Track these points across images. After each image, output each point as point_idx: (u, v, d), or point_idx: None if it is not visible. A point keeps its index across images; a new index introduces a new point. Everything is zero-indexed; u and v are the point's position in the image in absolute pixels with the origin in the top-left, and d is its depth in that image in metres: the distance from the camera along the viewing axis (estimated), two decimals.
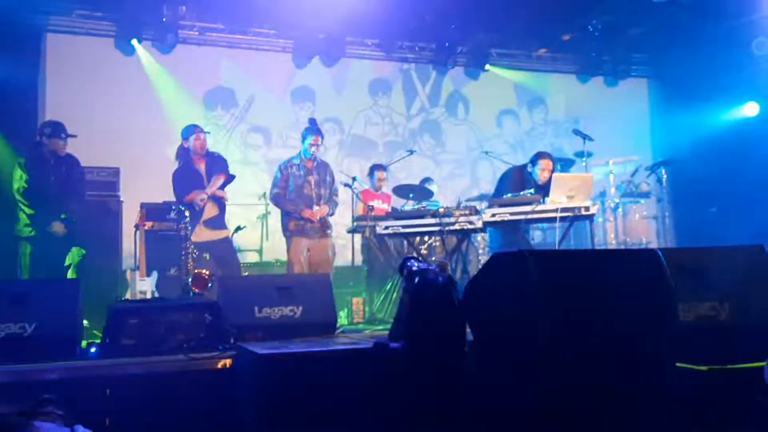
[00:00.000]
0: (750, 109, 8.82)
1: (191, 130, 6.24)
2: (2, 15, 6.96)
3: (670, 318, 2.72)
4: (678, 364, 2.69)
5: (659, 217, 8.28)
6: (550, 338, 2.44)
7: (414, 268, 2.89)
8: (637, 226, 7.93)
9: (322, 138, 6.22)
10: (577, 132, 6.76)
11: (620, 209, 7.88)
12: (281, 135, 8.88)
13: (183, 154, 6.19)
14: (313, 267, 6.08)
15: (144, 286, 6.43)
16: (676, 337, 2.75)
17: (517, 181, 6.22)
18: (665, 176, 8.11)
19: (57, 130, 5.71)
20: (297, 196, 6.07)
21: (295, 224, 6.06)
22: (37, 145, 5.73)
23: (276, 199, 6.21)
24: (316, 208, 6.07)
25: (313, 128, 6.17)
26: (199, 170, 6.10)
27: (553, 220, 5.60)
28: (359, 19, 8.28)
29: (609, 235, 7.78)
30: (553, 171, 6.22)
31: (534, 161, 6.35)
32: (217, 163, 6.21)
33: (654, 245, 8.15)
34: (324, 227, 6.18)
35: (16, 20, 7.22)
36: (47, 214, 5.59)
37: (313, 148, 6.11)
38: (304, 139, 6.17)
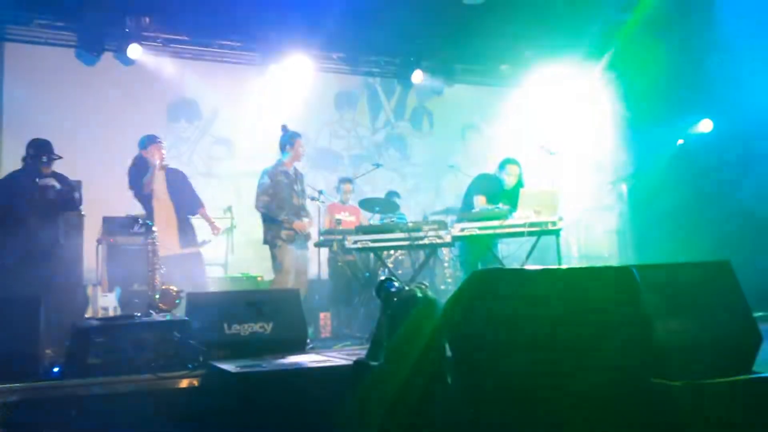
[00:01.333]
0: (705, 126, 9.08)
1: (151, 138, 6.13)
2: None
3: (644, 334, 2.77)
4: (653, 380, 2.74)
5: (621, 231, 8.46)
6: (526, 356, 2.47)
7: (393, 290, 2.88)
8: (599, 239, 8.09)
9: None
10: (542, 147, 6.86)
11: (583, 222, 8.03)
12: (245, 147, 8.79)
13: (140, 164, 6.08)
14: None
15: (106, 302, 6.29)
16: (650, 353, 2.80)
17: (486, 186, 6.38)
18: (626, 191, 8.30)
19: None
20: (287, 206, 6.01)
21: (287, 234, 5.99)
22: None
23: (267, 207, 6.07)
24: (306, 220, 6.07)
25: (295, 133, 6.18)
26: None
27: (521, 234, 5.68)
28: (325, 32, 8.28)
29: (572, 248, 7.92)
30: (519, 176, 6.40)
31: (502, 167, 6.47)
32: (179, 179, 6.17)
33: (615, 259, 8.34)
34: (305, 239, 6.17)
35: None
36: None
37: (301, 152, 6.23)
38: (289, 145, 6.15)
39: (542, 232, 5.72)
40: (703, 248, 6.66)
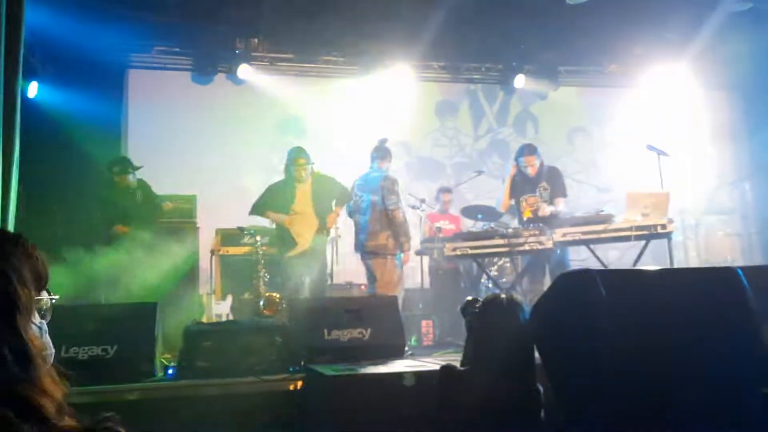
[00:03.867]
0: None
1: (292, 153, 6.26)
2: (89, 55, 7.39)
3: (752, 340, 2.57)
4: (764, 390, 2.54)
5: (744, 234, 7.87)
6: (617, 359, 2.36)
7: (477, 305, 2.86)
8: (720, 244, 7.58)
9: None
10: (651, 147, 6.53)
11: (702, 227, 7.55)
12: (350, 159, 8.97)
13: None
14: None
15: (220, 309, 6.64)
16: (760, 360, 2.59)
17: (515, 178, 6.30)
18: (749, 191, 7.73)
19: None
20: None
21: None
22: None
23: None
24: None
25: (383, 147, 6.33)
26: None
27: (627, 239, 5.43)
28: (426, 42, 8.33)
29: (689, 254, 7.46)
30: (540, 164, 6.25)
31: (517, 157, 6.38)
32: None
33: (739, 264, 7.76)
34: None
35: (101, 59, 7.66)
36: None
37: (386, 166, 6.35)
38: (375, 159, 6.27)
39: (651, 235, 5.43)
40: None
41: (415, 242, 7.23)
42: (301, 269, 5.91)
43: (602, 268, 4.84)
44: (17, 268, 1.16)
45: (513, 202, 6.24)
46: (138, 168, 6.39)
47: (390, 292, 5.85)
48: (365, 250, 6.18)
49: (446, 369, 2.86)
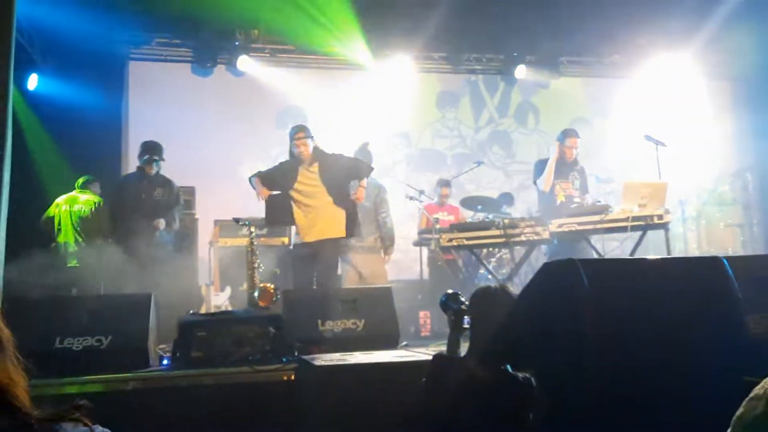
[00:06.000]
0: None
1: (292, 130, 5.86)
2: (89, 47, 7.41)
3: (737, 329, 2.57)
4: (746, 378, 2.52)
5: (745, 225, 7.82)
6: (599, 347, 2.36)
7: (456, 307, 2.87)
8: (721, 235, 7.53)
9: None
10: (649, 138, 6.49)
11: (702, 218, 7.51)
12: (350, 151, 8.95)
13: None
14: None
15: (219, 300, 6.67)
16: (744, 349, 2.59)
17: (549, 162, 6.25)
18: (752, 182, 7.67)
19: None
20: None
21: None
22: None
23: None
24: None
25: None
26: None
27: (624, 229, 5.40)
28: (426, 33, 8.30)
29: (690, 246, 7.42)
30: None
31: (561, 139, 6.32)
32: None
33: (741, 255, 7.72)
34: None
35: (101, 51, 7.68)
36: None
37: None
38: None
39: (648, 226, 5.40)
40: None
41: (413, 233, 7.24)
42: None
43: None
44: None
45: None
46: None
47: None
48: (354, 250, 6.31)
49: (437, 358, 2.88)
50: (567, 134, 6.33)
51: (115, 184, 6.74)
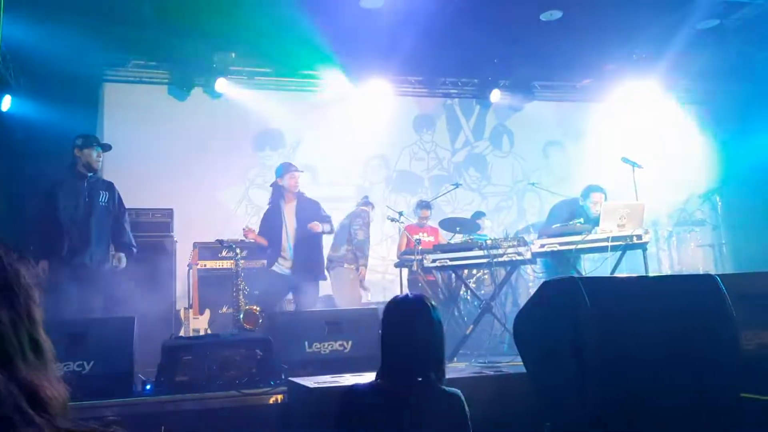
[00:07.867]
0: None
1: (286, 167, 6.29)
2: (64, 68, 7.30)
3: (731, 346, 2.63)
4: (742, 395, 2.59)
5: (715, 245, 8.02)
6: (601, 365, 2.39)
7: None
8: (692, 254, 7.71)
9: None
10: (626, 160, 6.64)
11: (674, 238, 7.68)
12: (328, 173, 9.00)
13: (276, 191, 6.30)
14: None
15: (198, 323, 6.57)
16: (739, 366, 2.65)
17: (567, 215, 6.14)
18: (720, 203, 7.89)
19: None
20: None
21: None
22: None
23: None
24: None
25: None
26: (281, 209, 6.20)
27: (604, 249, 5.49)
28: (403, 57, 8.40)
29: (663, 265, 7.58)
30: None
31: (586, 195, 6.27)
32: (309, 208, 6.23)
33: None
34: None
35: (76, 72, 7.56)
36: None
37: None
38: None
39: (627, 246, 5.51)
40: None
41: (392, 254, 7.26)
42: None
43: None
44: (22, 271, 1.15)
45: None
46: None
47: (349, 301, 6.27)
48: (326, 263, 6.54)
49: (347, 390, 2.62)
50: (590, 190, 6.27)
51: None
